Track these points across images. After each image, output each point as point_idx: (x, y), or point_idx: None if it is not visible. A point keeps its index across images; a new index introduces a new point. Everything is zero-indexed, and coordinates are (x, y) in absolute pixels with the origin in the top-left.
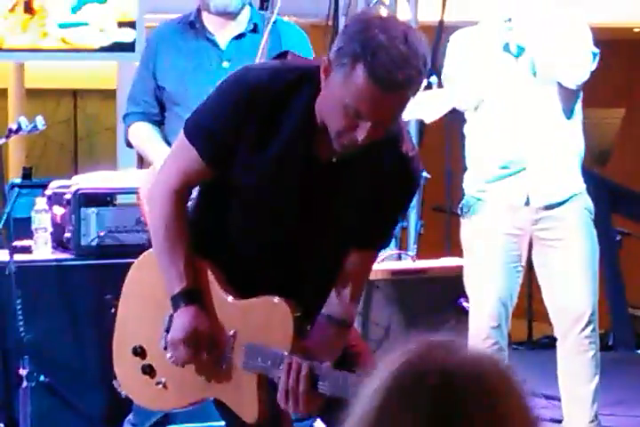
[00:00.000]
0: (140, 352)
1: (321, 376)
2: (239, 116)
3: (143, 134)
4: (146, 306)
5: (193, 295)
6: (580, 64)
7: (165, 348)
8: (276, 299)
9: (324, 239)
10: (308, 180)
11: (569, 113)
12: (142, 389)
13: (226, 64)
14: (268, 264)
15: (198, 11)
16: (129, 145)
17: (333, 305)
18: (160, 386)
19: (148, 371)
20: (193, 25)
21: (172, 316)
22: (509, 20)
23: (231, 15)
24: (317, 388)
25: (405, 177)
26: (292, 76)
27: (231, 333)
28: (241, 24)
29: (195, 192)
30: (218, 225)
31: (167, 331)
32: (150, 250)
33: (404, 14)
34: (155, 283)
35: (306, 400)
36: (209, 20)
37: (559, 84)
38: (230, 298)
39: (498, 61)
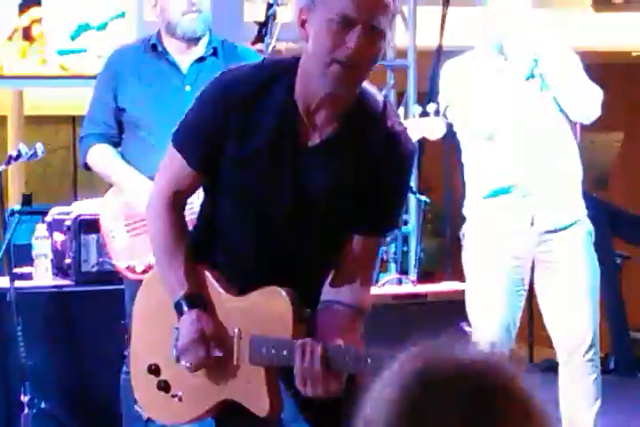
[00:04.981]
0: (154, 370)
1: (335, 355)
2: (219, 116)
3: (106, 156)
4: (155, 323)
5: (195, 299)
6: (597, 103)
7: (177, 359)
8: (271, 288)
9: (320, 227)
10: (298, 166)
11: (571, 138)
12: (161, 405)
13: (188, 88)
14: (267, 258)
15: (159, 34)
16: (87, 168)
17: (344, 293)
18: (176, 399)
19: (164, 386)
20: (155, 48)
21: (178, 329)
22: (535, 53)
23: (196, 40)
24: (333, 367)
25: (396, 153)
26: (268, 71)
27: (235, 330)
28: (201, 48)
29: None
30: (214, 227)
31: (177, 341)
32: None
33: (402, 39)
34: (161, 299)
35: (323, 381)
36: (170, 44)
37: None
38: (230, 296)
39: (507, 89)
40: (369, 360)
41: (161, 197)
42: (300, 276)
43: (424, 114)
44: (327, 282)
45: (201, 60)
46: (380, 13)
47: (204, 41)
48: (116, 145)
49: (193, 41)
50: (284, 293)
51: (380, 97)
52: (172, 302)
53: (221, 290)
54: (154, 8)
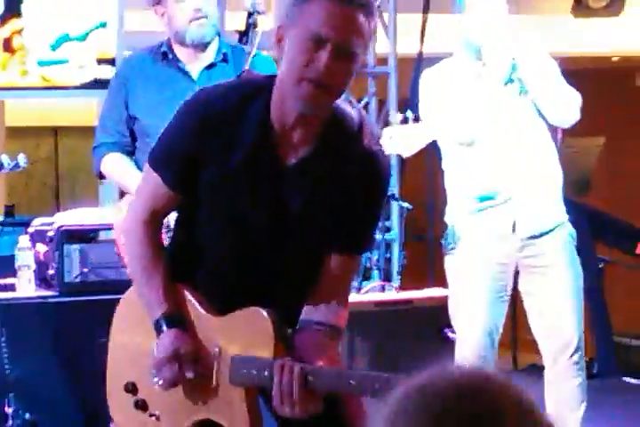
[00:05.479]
0: (131, 389)
1: (313, 375)
2: (196, 135)
3: (119, 165)
4: (133, 341)
5: (174, 319)
6: (576, 107)
7: (154, 378)
8: (253, 308)
9: (299, 246)
10: (276, 185)
11: (551, 143)
12: (137, 425)
13: None
14: (246, 276)
15: (169, 41)
16: (101, 177)
17: (321, 311)
18: (153, 418)
19: (141, 405)
20: (165, 55)
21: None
22: (513, 58)
23: (205, 46)
24: (311, 387)
25: (372, 172)
26: (245, 89)
27: (216, 350)
28: (211, 54)
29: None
30: (192, 247)
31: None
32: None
33: (382, 46)
34: (139, 318)
35: (301, 401)
36: (180, 52)
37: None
38: (210, 316)
39: (486, 95)
40: (351, 381)
41: (137, 216)
42: (280, 294)
43: (404, 121)
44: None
45: (211, 66)
46: (353, 35)
47: (214, 47)
48: (130, 153)
49: (201, 47)
50: (265, 313)
51: (355, 115)
52: (150, 322)
53: (201, 310)
54: (161, 18)
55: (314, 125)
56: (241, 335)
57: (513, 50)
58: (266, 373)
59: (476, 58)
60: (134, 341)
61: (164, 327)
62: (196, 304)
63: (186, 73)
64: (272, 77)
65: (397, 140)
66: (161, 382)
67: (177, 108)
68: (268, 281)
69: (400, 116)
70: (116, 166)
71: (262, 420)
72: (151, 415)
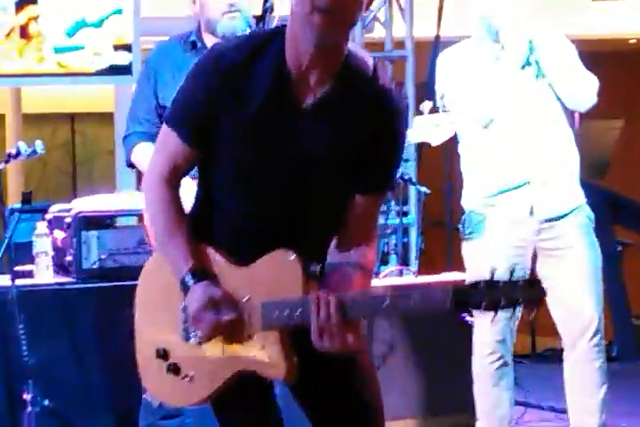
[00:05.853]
0: (162, 354)
1: (351, 303)
2: (210, 89)
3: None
4: (159, 309)
5: (201, 273)
6: (593, 91)
7: (187, 338)
8: (276, 251)
9: (322, 188)
10: (295, 128)
11: (569, 126)
12: (171, 389)
13: None
14: (270, 226)
15: (199, 30)
16: (131, 166)
17: (350, 254)
18: (187, 380)
19: (173, 369)
20: (194, 45)
21: (185, 307)
22: (530, 41)
23: None
24: (349, 316)
25: (390, 108)
26: (256, 39)
27: (245, 299)
28: None
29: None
30: (214, 206)
31: (185, 322)
32: (154, 255)
33: (399, 30)
34: (163, 284)
35: (340, 333)
36: (210, 41)
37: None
38: (236, 268)
39: (503, 78)
40: (387, 300)
41: (157, 175)
42: (306, 241)
43: (419, 112)
44: (332, 246)
45: None
46: None
47: None
48: None
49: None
50: (289, 253)
51: (369, 58)
52: (177, 281)
53: (227, 263)
54: (193, 4)
55: (330, 65)
56: (269, 280)
57: (530, 33)
58: (299, 311)
59: (493, 40)
60: (159, 308)
61: (192, 282)
62: (221, 258)
63: None
64: (282, 26)
65: (429, 130)
66: (199, 335)
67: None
68: (293, 228)
69: (430, 105)
70: (146, 156)
71: (296, 364)
72: (184, 377)
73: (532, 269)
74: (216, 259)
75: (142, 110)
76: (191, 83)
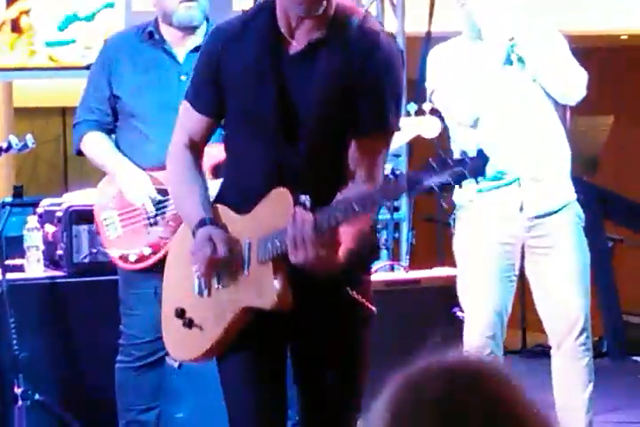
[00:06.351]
0: (180, 313)
1: (320, 213)
2: (213, 56)
3: (100, 145)
4: (179, 268)
5: (207, 221)
6: (580, 84)
7: (200, 293)
8: (271, 192)
9: (314, 132)
10: (285, 74)
11: (559, 122)
12: (187, 343)
13: (183, 78)
14: (273, 174)
15: (156, 21)
16: (80, 153)
17: (349, 190)
18: (198, 329)
19: (188, 323)
20: (151, 35)
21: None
22: (512, 38)
23: (193, 29)
24: (320, 226)
25: (377, 52)
26: (251, 11)
27: (247, 241)
28: (198, 38)
29: None
30: (232, 167)
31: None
32: (182, 225)
33: (390, 25)
34: (184, 246)
35: (313, 245)
36: (168, 32)
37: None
38: (241, 216)
39: (491, 75)
40: (355, 207)
41: (176, 140)
42: (306, 185)
43: (406, 113)
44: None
45: (197, 49)
46: None
47: (202, 31)
48: (110, 132)
49: (190, 30)
50: (280, 188)
51: (358, 8)
52: (191, 235)
53: (233, 213)
54: None
55: (319, 20)
56: (265, 218)
57: (511, 29)
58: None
59: (477, 38)
60: (181, 266)
61: (198, 229)
62: (228, 210)
63: (171, 55)
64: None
65: (412, 131)
66: (198, 268)
67: None
68: (293, 176)
69: (415, 107)
70: (96, 146)
71: (290, 296)
72: (195, 327)
73: (521, 267)
74: (224, 212)
75: (94, 99)
76: (198, 59)
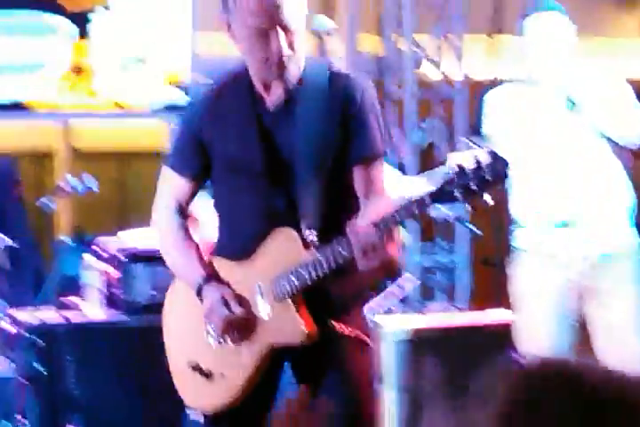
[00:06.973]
0: (195, 365)
1: (379, 223)
2: (191, 121)
3: None
4: (184, 324)
5: (211, 277)
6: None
7: (220, 342)
8: (269, 235)
9: (310, 175)
10: (268, 120)
11: (616, 165)
12: (210, 394)
13: None
14: (266, 214)
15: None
16: None
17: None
18: (220, 378)
19: (207, 373)
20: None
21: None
22: (567, 82)
23: None
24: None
25: (351, 88)
26: (223, 75)
27: (256, 287)
28: None
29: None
30: (222, 214)
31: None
32: (174, 281)
33: (452, 70)
34: (183, 301)
35: (379, 250)
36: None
37: (613, 141)
38: (242, 262)
39: (546, 118)
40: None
41: (165, 207)
42: (305, 220)
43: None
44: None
45: None
46: (285, 11)
47: None
48: None
49: None
50: (282, 228)
51: (327, 60)
52: (194, 292)
53: (232, 263)
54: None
55: (292, 75)
56: (273, 258)
57: (569, 75)
58: (301, 270)
59: (534, 83)
60: (183, 323)
61: (205, 288)
62: (226, 262)
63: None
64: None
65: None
66: (215, 329)
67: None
68: (287, 217)
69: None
70: None
71: (315, 327)
72: (217, 377)
73: (579, 311)
74: (220, 263)
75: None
76: (178, 130)
